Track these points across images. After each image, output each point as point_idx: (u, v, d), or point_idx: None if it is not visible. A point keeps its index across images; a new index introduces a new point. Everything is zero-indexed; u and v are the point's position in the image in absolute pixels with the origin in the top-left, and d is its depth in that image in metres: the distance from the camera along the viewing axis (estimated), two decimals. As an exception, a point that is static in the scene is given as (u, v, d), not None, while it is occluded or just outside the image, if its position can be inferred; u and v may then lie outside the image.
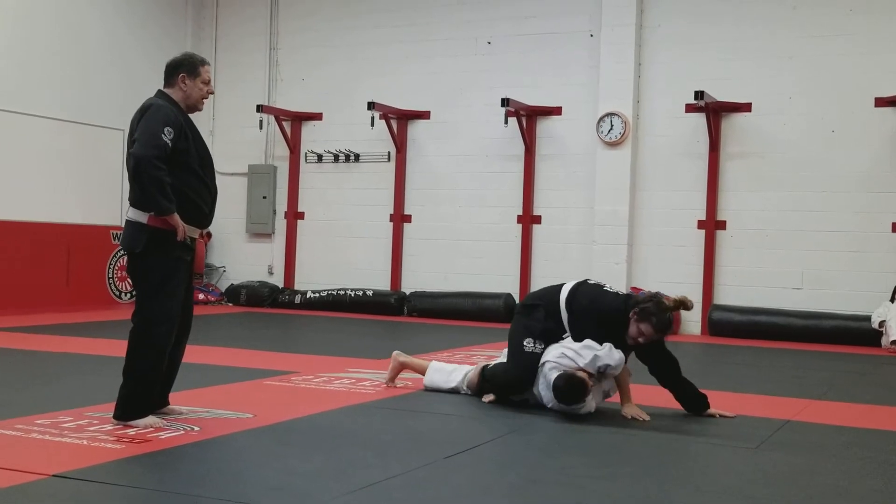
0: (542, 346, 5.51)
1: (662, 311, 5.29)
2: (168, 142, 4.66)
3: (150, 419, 4.72)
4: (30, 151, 11.57)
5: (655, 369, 5.57)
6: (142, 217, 4.70)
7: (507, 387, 5.66)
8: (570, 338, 5.48)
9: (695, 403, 5.55)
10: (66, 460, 4.01)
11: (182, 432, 4.62)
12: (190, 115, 4.93)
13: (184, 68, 4.89)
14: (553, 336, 5.54)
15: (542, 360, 5.45)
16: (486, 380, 5.81)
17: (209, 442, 4.49)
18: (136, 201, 4.71)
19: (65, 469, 3.86)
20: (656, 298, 5.37)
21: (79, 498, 3.55)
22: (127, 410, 4.70)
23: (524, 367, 5.52)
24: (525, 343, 5.53)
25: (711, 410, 5.53)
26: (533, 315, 5.62)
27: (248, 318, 11.70)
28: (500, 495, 3.78)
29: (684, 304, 5.36)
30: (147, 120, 4.70)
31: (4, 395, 5.57)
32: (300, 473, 3.95)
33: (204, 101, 4.98)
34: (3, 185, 11.21)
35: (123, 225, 4.86)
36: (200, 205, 4.84)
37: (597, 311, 5.42)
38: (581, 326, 5.42)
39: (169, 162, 4.67)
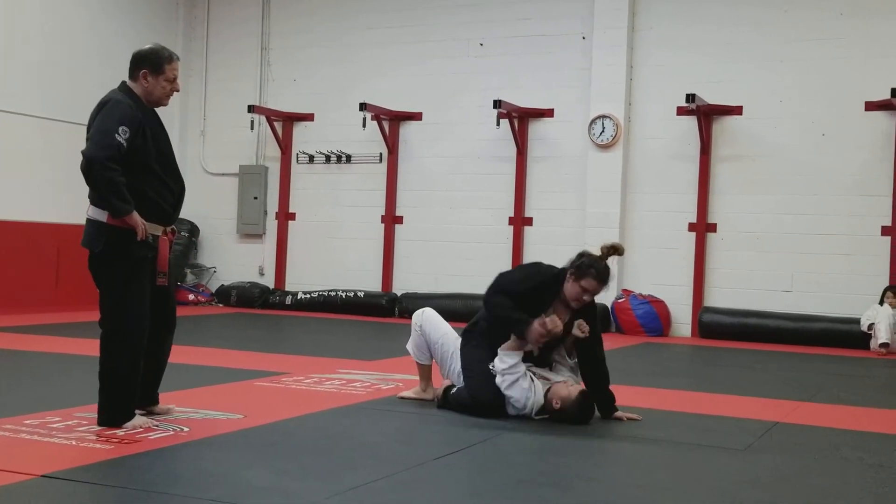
0: None
1: (598, 261, 5.27)
2: (122, 142, 4.47)
3: (139, 419, 4.67)
4: (18, 151, 11.52)
5: (584, 359, 5.44)
6: (101, 216, 4.53)
7: (483, 409, 5.36)
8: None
9: (605, 406, 5.42)
10: (55, 461, 3.99)
11: (171, 433, 4.61)
12: (157, 110, 4.75)
13: (147, 64, 4.67)
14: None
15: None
16: (457, 404, 5.49)
17: (199, 442, 4.48)
18: (94, 199, 4.57)
19: (53, 469, 3.84)
20: (586, 253, 5.34)
21: (67, 498, 3.54)
22: (111, 416, 4.62)
23: (496, 390, 5.34)
24: (492, 367, 5.40)
25: (619, 413, 5.41)
26: (475, 333, 5.51)
27: (239, 319, 11.68)
28: (491, 496, 3.78)
29: (616, 250, 5.33)
30: (102, 117, 4.52)
31: (-7, 395, 5.55)
32: (290, 474, 3.94)
33: (168, 97, 4.76)
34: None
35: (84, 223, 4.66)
36: (160, 202, 4.66)
37: (519, 272, 5.46)
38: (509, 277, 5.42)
39: (125, 161, 4.49)
